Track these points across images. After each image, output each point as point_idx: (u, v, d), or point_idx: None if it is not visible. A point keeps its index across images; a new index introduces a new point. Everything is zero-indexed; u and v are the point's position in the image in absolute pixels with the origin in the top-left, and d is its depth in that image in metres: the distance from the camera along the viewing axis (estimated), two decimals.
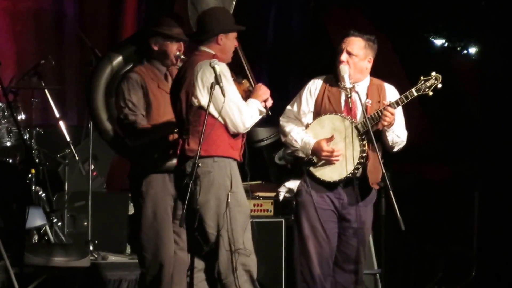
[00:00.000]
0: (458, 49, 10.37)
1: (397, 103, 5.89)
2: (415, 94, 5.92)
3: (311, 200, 5.96)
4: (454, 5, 10.00)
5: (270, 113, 5.84)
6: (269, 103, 5.76)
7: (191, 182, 5.34)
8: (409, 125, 6.18)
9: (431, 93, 5.95)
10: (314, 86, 6.09)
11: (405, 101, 5.91)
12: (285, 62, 10.84)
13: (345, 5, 10.86)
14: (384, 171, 5.75)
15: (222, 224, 5.48)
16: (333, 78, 6.05)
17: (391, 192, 5.64)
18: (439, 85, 5.94)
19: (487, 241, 8.63)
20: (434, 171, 9.53)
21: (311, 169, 5.99)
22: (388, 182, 5.73)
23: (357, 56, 5.97)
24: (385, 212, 6.07)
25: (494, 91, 9.34)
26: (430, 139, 9.81)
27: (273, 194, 7.72)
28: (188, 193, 5.32)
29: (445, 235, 8.82)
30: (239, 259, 5.49)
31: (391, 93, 6.08)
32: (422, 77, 5.96)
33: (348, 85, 5.84)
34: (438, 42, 10.43)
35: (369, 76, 6.10)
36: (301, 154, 6.00)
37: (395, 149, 6.08)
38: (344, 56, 5.95)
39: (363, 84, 6.04)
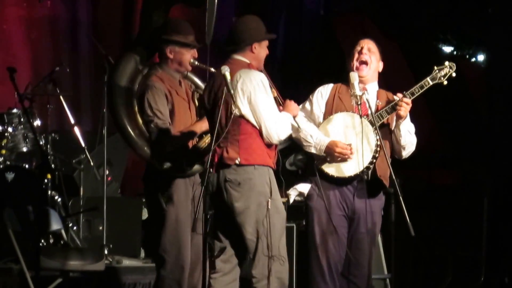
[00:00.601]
0: (467, 56, 10.41)
1: (412, 93, 5.90)
2: (431, 83, 5.93)
3: (323, 205, 5.93)
4: (462, 13, 10.04)
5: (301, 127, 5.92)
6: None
7: (203, 187, 5.37)
8: (418, 131, 6.16)
9: (445, 82, 5.94)
10: (325, 89, 6.11)
11: (420, 91, 5.91)
12: (295, 68, 10.90)
13: (354, 12, 10.93)
14: (394, 177, 5.72)
15: (261, 231, 5.52)
16: (343, 82, 6.07)
17: (400, 197, 5.59)
18: (454, 74, 5.95)
19: (496, 245, 8.64)
20: (443, 176, 9.55)
21: (323, 167, 5.95)
22: (398, 187, 5.71)
23: (375, 54, 6.02)
24: (394, 218, 6.09)
25: (501, 97, 9.37)
26: (439, 144, 9.86)
27: (284, 200, 7.74)
28: (200, 199, 5.36)
29: (455, 240, 8.82)
30: (274, 265, 5.53)
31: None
32: (435, 67, 5.97)
33: (358, 92, 5.81)
34: (447, 49, 10.46)
35: (377, 84, 6.13)
36: (313, 150, 5.96)
37: (405, 152, 6.06)
38: (366, 50, 5.98)
39: (373, 86, 6.06)
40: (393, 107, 5.92)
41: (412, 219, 5.60)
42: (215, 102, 5.64)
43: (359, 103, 5.81)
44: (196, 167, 6.06)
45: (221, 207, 5.62)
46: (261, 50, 5.74)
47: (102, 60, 8.32)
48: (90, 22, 10.10)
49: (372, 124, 5.86)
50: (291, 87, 10.44)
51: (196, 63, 6.16)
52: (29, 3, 9.63)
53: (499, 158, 9.01)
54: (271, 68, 10.51)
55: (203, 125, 6.05)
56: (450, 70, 5.97)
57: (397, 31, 10.49)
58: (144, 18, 6.54)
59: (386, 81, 6.24)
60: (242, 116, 5.54)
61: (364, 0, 10.85)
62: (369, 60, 6.01)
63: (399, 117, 5.93)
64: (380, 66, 6.09)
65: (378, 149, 5.86)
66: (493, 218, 8.63)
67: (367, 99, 5.88)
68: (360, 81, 5.94)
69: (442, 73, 5.96)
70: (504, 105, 9.28)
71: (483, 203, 8.61)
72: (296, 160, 8.15)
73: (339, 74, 6.17)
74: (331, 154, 5.92)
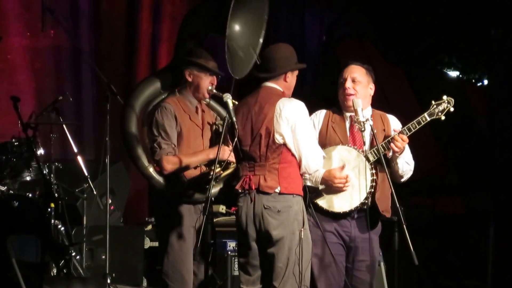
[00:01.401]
0: (473, 81, 10.40)
1: (409, 129, 5.87)
2: (428, 119, 5.90)
3: (320, 235, 5.88)
4: (467, 37, 10.04)
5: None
6: None
7: (204, 217, 5.43)
8: (423, 159, 6.15)
9: (443, 118, 5.91)
10: (317, 118, 6.07)
11: (418, 127, 5.88)
12: (299, 95, 10.89)
13: (356, 38, 10.94)
14: (398, 205, 5.67)
15: (292, 259, 5.50)
16: (336, 110, 6.05)
17: (404, 226, 5.58)
18: (452, 109, 5.92)
19: (502, 275, 8.57)
20: (448, 204, 9.51)
21: (318, 201, 5.91)
22: (402, 215, 5.67)
23: (361, 82, 5.96)
24: (398, 246, 6.04)
25: (504, 120, 9.33)
26: (444, 172, 9.82)
27: None
28: (202, 229, 5.42)
29: (460, 270, 8.77)
30: None
31: (394, 121, 6.07)
32: (433, 101, 5.93)
33: (361, 118, 5.78)
34: (453, 74, 10.46)
35: (371, 107, 6.09)
36: (308, 183, 5.88)
37: (404, 179, 6.03)
38: (349, 83, 5.94)
39: (367, 112, 5.99)
40: (389, 142, 5.89)
41: (416, 247, 5.56)
42: (253, 129, 5.61)
43: (362, 129, 5.79)
44: (202, 195, 6.06)
45: (254, 237, 5.58)
46: (293, 79, 5.76)
47: (105, 89, 8.32)
48: (92, 52, 10.13)
49: (369, 160, 5.85)
50: None
51: (214, 90, 6.16)
52: (33, 33, 9.66)
53: (504, 186, 8.95)
54: None
55: (211, 153, 6.06)
56: (448, 105, 5.94)
57: (400, 56, 10.50)
58: (178, 47, 6.61)
59: (391, 106, 6.23)
60: (284, 145, 5.53)
61: (366, 26, 10.86)
62: (353, 91, 5.96)
63: (394, 152, 5.91)
64: (370, 90, 6.05)
65: (374, 184, 5.84)
66: (499, 247, 8.57)
67: (372, 126, 5.82)
68: (352, 111, 5.94)
69: (440, 108, 5.92)
70: (506, 128, 9.23)
71: (489, 232, 8.55)
72: None
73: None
74: (327, 185, 5.88)
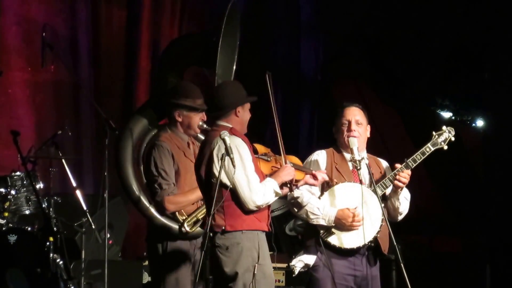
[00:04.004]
0: (468, 122, 10.47)
1: (414, 160, 5.89)
2: (432, 148, 5.94)
3: (329, 276, 5.88)
4: (460, 79, 10.13)
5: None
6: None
7: (203, 252, 5.43)
8: (419, 197, 6.15)
9: (446, 147, 5.96)
10: (320, 159, 6.06)
11: (422, 158, 5.91)
12: (294, 134, 10.97)
13: (351, 78, 11.03)
14: (395, 243, 5.69)
15: None
16: (336, 151, 6.06)
17: (402, 264, 5.60)
18: (453, 138, 5.96)
19: None
20: (445, 243, 9.53)
21: (329, 239, 5.90)
22: (399, 254, 5.67)
23: (362, 124, 6.01)
24: (396, 284, 6.05)
25: (498, 161, 9.39)
26: (440, 211, 9.85)
27: (284, 265, 7.72)
28: (200, 264, 5.43)
29: None
30: None
31: (386, 166, 6.11)
32: (434, 132, 5.98)
33: (357, 157, 5.81)
34: (446, 115, 10.53)
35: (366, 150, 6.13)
36: (321, 222, 5.88)
37: (401, 216, 6.04)
38: (354, 126, 5.95)
39: (364, 155, 6.00)
40: (393, 178, 5.91)
41: (413, 285, 5.57)
42: (198, 169, 5.68)
43: (358, 168, 5.83)
44: (199, 229, 6.10)
45: (217, 273, 5.62)
46: (245, 113, 5.77)
47: (104, 124, 8.36)
48: (92, 87, 10.19)
49: (377, 193, 5.84)
50: (291, 152, 10.51)
51: (205, 126, 6.20)
52: (34, 67, 9.72)
53: (499, 224, 8.98)
54: (270, 132, 10.67)
55: None
56: (449, 134, 6.00)
57: (395, 97, 10.57)
58: (160, 80, 6.67)
59: (385, 146, 6.24)
60: (222, 184, 5.52)
61: (361, 66, 10.95)
62: (358, 134, 5.98)
63: (397, 187, 5.94)
64: (368, 132, 6.10)
65: (383, 217, 5.85)
66: (495, 285, 8.59)
67: (368, 165, 5.89)
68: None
69: (442, 138, 5.98)
70: (501, 170, 9.29)
71: (485, 271, 8.57)
72: (296, 226, 8.19)
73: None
74: (341, 223, 5.88)
